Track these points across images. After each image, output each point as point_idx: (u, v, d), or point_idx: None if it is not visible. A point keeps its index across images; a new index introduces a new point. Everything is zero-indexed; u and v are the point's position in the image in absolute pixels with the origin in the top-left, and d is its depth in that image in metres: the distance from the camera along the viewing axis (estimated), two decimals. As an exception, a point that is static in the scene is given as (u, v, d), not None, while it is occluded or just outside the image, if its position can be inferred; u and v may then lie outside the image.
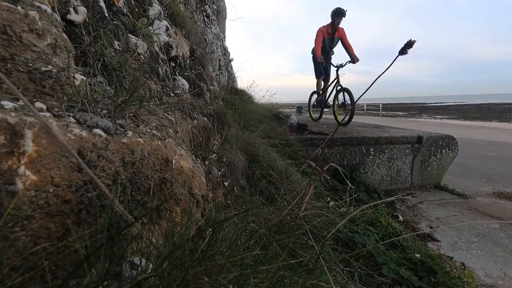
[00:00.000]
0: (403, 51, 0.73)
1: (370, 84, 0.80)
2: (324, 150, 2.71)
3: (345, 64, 4.05)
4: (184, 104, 1.33)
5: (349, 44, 4.14)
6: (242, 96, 4.12)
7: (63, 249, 0.43)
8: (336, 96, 4.09)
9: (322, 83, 4.49)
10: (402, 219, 2.21)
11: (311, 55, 4.38)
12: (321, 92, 4.53)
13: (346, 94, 3.85)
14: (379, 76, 0.74)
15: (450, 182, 3.19)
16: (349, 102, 3.81)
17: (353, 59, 4.02)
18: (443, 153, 3.21)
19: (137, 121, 0.67)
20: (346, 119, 3.97)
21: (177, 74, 1.62)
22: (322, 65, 4.15)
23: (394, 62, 0.71)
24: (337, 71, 4.06)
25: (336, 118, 4.42)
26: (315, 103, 4.77)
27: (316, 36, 4.13)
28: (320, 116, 4.93)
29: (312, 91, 4.84)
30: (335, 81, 4.09)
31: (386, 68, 0.72)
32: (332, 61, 4.24)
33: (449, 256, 1.70)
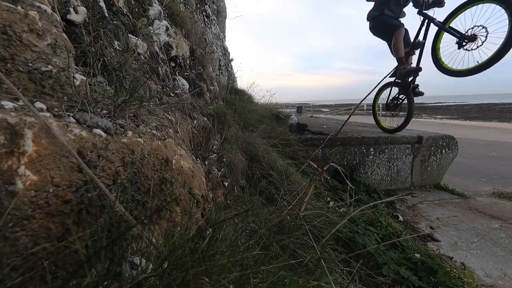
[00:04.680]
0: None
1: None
2: (324, 150, 2.71)
3: (431, 2, 2.61)
4: (184, 104, 1.33)
5: None
6: (242, 96, 4.11)
7: (63, 249, 0.43)
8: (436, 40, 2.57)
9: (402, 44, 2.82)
10: (402, 219, 2.21)
11: (367, 18, 3.06)
12: (404, 58, 2.81)
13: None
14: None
15: (450, 182, 3.19)
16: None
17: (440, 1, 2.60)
18: (443, 153, 3.21)
19: (137, 121, 0.67)
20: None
21: (177, 74, 1.62)
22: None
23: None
24: (422, 12, 2.66)
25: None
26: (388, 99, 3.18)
27: None
28: (405, 122, 3.04)
29: (384, 83, 3.20)
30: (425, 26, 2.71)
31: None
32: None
33: (449, 256, 1.70)
